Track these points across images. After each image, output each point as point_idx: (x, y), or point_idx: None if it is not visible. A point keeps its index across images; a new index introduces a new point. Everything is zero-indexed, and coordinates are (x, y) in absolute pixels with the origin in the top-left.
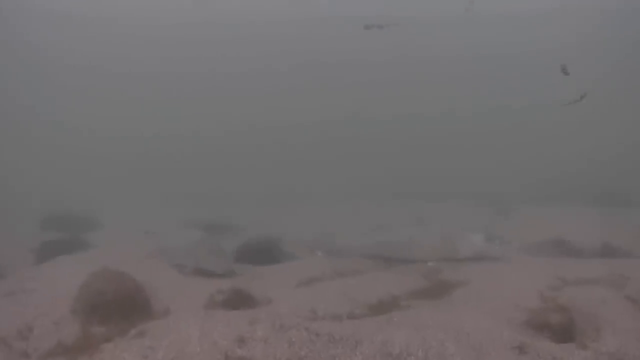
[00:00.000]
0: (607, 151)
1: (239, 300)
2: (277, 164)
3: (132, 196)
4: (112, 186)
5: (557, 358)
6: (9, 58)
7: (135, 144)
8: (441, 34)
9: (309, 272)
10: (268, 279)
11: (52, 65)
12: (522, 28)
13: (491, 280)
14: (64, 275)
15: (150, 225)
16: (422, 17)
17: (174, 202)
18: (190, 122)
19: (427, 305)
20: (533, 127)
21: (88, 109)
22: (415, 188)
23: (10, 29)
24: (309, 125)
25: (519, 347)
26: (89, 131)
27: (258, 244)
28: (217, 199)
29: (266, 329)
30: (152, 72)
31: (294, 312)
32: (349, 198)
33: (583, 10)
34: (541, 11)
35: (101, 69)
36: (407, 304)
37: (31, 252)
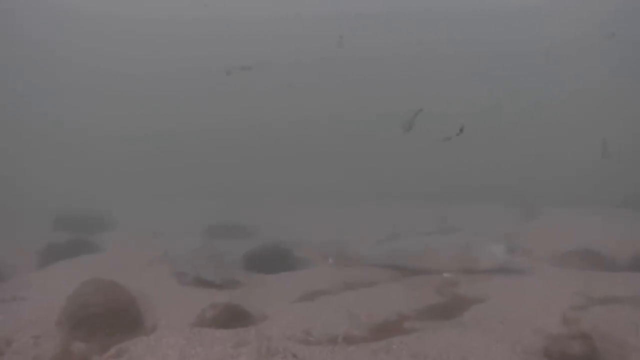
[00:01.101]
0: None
1: (231, 317)
2: (292, 162)
3: (148, 196)
4: (127, 186)
5: None
6: (15, 57)
7: (151, 142)
8: (459, 29)
9: (315, 283)
10: (270, 291)
11: (59, 64)
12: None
13: (510, 297)
14: (58, 283)
15: (161, 225)
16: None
17: (188, 201)
18: (203, 119)
19: (434, 328)
20: (557, 122)
21: (99, 108)
22: (438, 188)
23: (20, 27)
24: (323, 121)
25: None
26: (101, 130)
27: (267, 250)
28: (232, 197)
29: (251, 353)
30: (162, 71)
31: (286, 333)
32: (368, 198)
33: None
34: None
35: (110, 67)
36: (412, 327)
37: (37, 253)
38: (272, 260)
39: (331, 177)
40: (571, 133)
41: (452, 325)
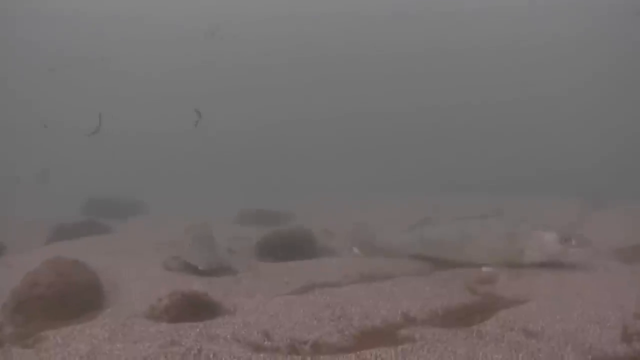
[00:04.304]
0: None
1: (187, 308)
2: (330, 156)
3: (190, 187)
4: (169, 178)
5: None
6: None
7: (197, 139)
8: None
9: (325, 274)
10: (261, 280)
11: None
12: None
13: (556, 300)
14: (34, 263)
15: (194, 213)
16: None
17: (231, 192)
18: (249, 117)
19: (438, 339)
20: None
21: (152, 108)
22: (489, 180)
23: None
24: (357, 116)
25: None
26: (154, 128)
27: (285, 237)
28: (274, 189)
29: (173, 356)
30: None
31: (238, 334)
32: (411, 191)
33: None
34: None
35: (152, 69)
36: (409, 335)
37: (48, 233)
38: (288, 248)
39: (392, 170)
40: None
41: (465, 336)
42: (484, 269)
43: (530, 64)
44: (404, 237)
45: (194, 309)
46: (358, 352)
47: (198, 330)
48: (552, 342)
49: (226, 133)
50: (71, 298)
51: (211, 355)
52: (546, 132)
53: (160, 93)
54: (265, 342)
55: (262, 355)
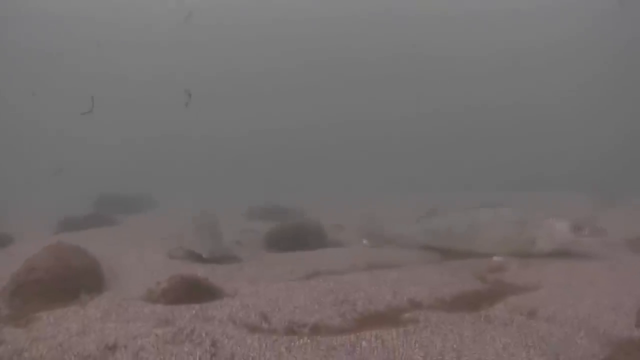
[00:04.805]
0: None
1: (186, 292)
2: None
3: (205, 184)
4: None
5: None
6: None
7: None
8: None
9: (331, 263)
10: (265, 269)
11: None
12: None
13: (568, 287)
14: (37, 250)
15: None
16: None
17: (247, 190)
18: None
19: (442, 322)
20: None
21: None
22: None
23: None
24: (370, 121)
25: None
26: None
27: (293, 229)
28: (287, 187)
29: (165, 335)
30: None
31: (236, 316)
32: (419, 190)
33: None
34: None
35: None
36: (413, 318)
37: (55, 225)
38: (296, 239)
39: (402, 171)
40: None
41: (473, 320)
42: (495, 258)
43: (537, 67)
44: (413, 227)
45: (192, 292)
46: (358, 333)
47: (194, 311)
48: (564, 327)
49: (243, 135)
50: (69, 282)
51: (204, 334)
52: (553, 132)
53: (193, 96)
54: (263, 324)
55: (257, 335)
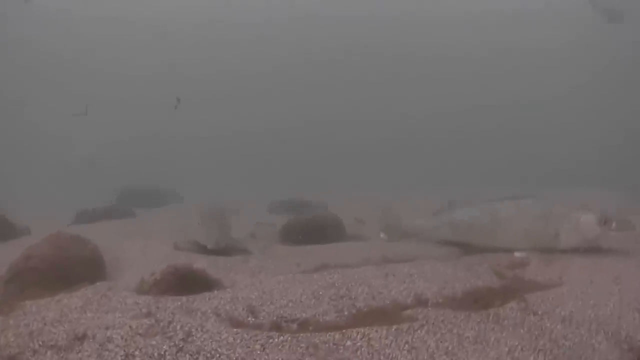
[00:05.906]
0: None
1: (180, 283)
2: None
3: (229, 180)
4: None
5: None
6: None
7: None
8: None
9: (343, 256)
10: (270, 261)
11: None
12: None
13: (591, 285)
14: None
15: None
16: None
17: (273, 185)
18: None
19: (445, 320)
20: None
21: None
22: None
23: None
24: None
25: None
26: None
27: (310, 222)
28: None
29: (140, 327)
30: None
31: (222, 309)
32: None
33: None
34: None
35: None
36: (414, 315)
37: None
38: (313, 233)
39: (420, 167)
40: None
41: (479, 319)
42: (517, 254)
43: (554, 65)
44: (433, 221)
45: (186, 283)
46: (344, 330)
47: (179, 303)
48: (581, 329)
49: (271, 131)
50: (67, 271)
51: (178, 328)
52: (577, 129)
53: (220, 96)
54: (249, 318)
55: (235, 330)
